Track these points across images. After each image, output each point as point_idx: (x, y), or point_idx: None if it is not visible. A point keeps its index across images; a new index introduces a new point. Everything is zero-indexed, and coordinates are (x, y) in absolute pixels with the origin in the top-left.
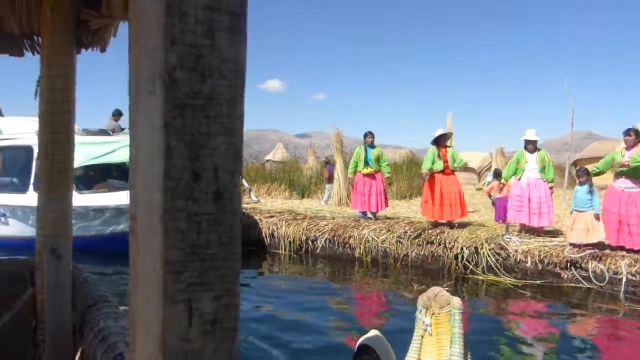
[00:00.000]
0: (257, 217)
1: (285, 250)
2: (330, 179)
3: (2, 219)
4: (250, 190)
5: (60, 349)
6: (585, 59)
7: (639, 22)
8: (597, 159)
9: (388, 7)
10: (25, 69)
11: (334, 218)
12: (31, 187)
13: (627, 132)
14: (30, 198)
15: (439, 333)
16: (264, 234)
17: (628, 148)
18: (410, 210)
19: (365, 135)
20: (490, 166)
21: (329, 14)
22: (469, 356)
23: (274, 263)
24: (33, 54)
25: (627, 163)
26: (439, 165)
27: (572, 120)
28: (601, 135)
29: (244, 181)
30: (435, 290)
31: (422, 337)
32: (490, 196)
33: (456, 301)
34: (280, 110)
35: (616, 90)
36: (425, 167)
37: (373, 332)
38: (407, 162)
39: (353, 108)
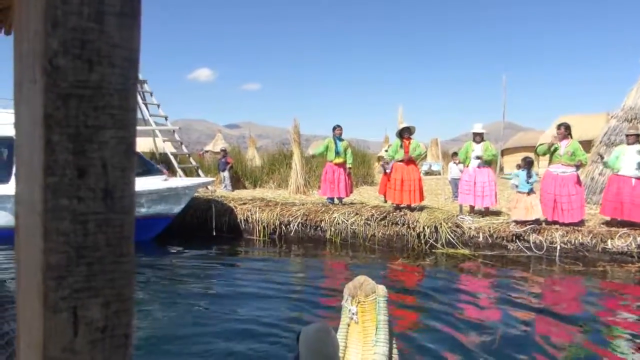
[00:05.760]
0: (231, 204)
1: (259, 235)
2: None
3: None
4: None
5: None
6: (508, 52)
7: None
8: (521, 148)
9: None
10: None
11: (303, 204)
12: (13, 177)
13: (559, 127)
14: (12, 188)
15: (365, 321)
16: (239, 220)
17: (561, 139)
18: (362, 196)
19: (334, 128)
20: (425, 156)
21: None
22: (394, 342)
23: (250, 246)
24: None
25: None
26: (401, 155)
27: (504, 113)
28: (519, 125)
29: (200, 172)
30: (360, 279)
31: (349, 325)
32: None
33: (381, 289)
34: (209, 100)
35: (531, 82)
36: (389, 156)
37: (316, 325)
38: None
39: (289, 99)
